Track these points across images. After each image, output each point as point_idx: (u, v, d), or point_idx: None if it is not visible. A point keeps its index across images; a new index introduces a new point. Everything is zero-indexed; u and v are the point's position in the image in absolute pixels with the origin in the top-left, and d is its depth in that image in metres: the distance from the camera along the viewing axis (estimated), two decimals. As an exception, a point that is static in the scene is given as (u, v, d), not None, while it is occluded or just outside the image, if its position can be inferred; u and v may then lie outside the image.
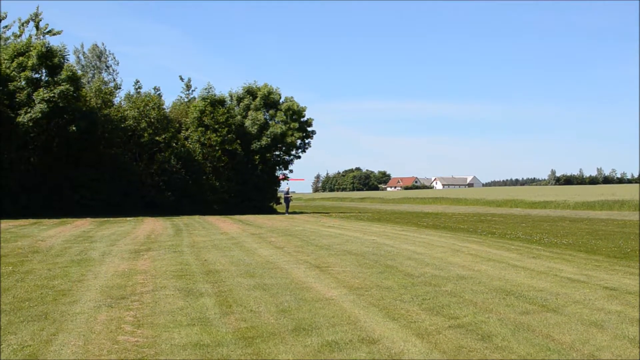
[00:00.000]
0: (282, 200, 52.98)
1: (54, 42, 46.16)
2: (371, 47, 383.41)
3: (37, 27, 55.66)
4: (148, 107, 47.10)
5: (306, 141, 54.43)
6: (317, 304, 9.80)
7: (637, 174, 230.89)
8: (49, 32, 55.62)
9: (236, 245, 18.70)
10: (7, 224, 29.04)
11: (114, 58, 70.80)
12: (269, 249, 17.63)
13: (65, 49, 43.78)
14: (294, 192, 54.75)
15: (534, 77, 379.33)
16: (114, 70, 69.83)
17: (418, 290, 11.02)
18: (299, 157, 54.66)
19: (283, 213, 47.88)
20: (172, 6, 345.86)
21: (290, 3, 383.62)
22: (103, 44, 71.63)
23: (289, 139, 51.32)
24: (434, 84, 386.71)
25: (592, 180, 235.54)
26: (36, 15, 55.73)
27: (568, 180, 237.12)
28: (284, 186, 53.31)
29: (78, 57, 67.61)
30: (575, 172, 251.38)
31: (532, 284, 11.77)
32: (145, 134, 46.15)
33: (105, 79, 63.88)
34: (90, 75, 65.09)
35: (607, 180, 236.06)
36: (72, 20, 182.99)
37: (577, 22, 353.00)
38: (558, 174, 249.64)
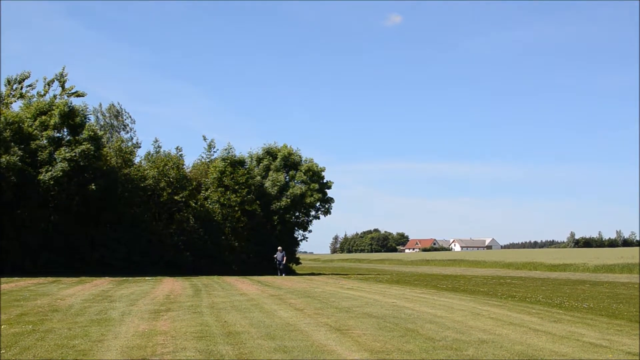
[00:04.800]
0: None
1: (76, 102, 47.05)
2: (389, 109, 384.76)
3: (62, 87, 56.54)
4: (167, 167, 47.47)
5: (326, 206, 54.76)
6: (338, 367, 9.75)
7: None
8: (74, 93, 56.42)
9: (256, 307, 18.64)
10: (26, 282, 29.16)
11: (130, 117, 71.91)
12: (288, 311, 17.55)
13: (87, 108, 44.56)
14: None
15: (553, 139, 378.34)
16: (131, 129, 70.90)
17: (440, 354, 10.93)
18: (318, 217, 54.89)
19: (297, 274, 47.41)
20: (196, 67, 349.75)
21: (313, 66, 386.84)
22: (119, 104, 72.80)
23: (308, 200, 51.51)
24: (452, 145, 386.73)
25: (612, 243, 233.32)
26: (62, 75, 56.66)
27: (587, 243, 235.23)
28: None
29: (97, 116, 68.59)
30: (595, 235, 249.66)
31: (554, 348, 11.65)
32: (165, 194, 46.44)
33: (124, 137, 64.77)
34: (109, 135, 65.83)
35: (627, 243, 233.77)
36: (93, 80, 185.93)
37: (599, 83, 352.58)
38: (577, 237, 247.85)
